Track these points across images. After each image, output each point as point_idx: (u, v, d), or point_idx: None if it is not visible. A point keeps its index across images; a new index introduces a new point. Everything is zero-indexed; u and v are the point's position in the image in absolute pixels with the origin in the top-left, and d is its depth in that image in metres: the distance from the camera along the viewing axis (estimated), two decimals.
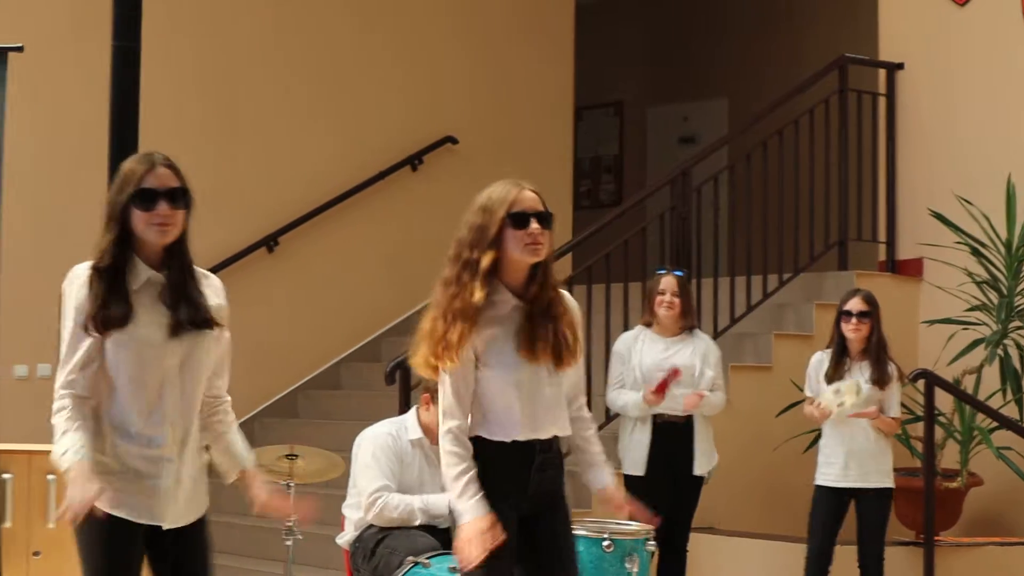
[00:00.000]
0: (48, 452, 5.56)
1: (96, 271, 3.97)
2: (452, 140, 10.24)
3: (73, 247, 7.75)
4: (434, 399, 6.05)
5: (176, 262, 4.03)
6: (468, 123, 10.33)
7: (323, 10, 9.81)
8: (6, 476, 5.43)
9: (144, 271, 4.00)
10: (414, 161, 10.10)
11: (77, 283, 3.99)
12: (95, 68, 7.08)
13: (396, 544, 5.66)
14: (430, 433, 5.91)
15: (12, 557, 5.03)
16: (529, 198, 4.31)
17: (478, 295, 4.19)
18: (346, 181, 9.71)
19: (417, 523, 5.77)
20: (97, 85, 6.77)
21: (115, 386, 3.99)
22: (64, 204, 8.38)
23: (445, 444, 4.23)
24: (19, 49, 5.51)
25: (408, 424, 5.99)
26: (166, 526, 3.99)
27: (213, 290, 4.12)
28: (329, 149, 9.71)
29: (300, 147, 9.59)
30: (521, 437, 4.24)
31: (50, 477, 5.59)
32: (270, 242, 9.41)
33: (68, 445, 3.91)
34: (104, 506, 3.89)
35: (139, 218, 3.96)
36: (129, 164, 4.04)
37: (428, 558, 5.45)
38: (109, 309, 3.94)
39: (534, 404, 4.25)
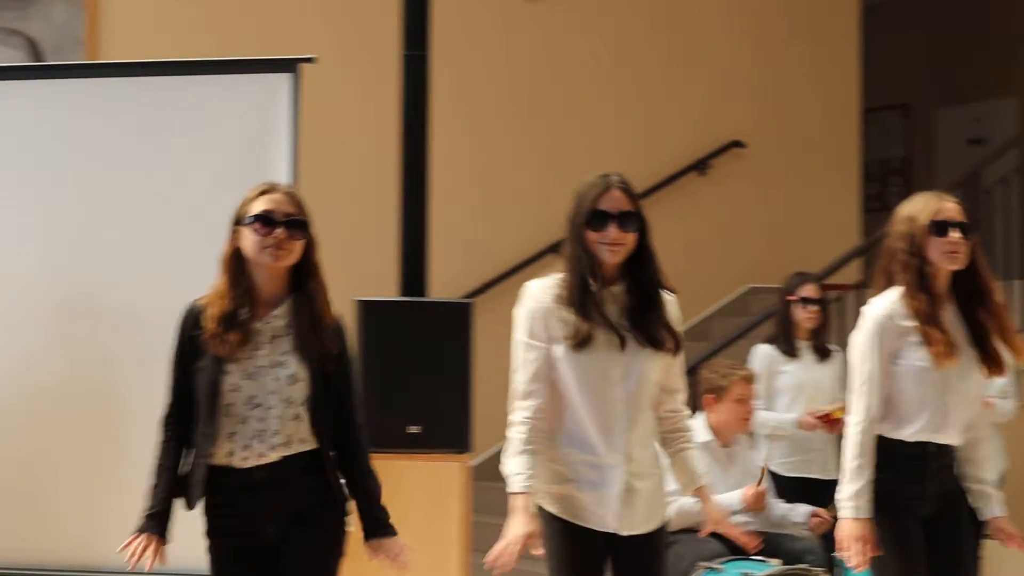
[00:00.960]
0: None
1: (559, 288, 4.15)
2: (739, 144, 10.15)
3: (364, 256, 8.03)
4: (718, 400, 6.02)
5: (640, 277, 4.17)
6: (754, 127, 10.24)
7: (615, 16, 9.84)
8: None
9: (600, 287, 4.14)
10: (701, 165, 10.05)
11: (534, 299, 4.17)
12: (384, 78, 7.24)
13: (683, 550, 5.61)
14: (720, 435, 5.96)
15: None
16: (951, 209, 4.52)
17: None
18: (639, 185, 9.68)
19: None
20: (386, 95, 6.92)
21: (568, 398, 4.15)
22: (355, 213, 8.56)
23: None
24: (311, 60, 5.64)
25: (697, 427, 5.95)
26: (623, 533, 4.15)
27: (669, 306, 4.24)
28: (626, 153, 9.71)
29: (599, 152, 9.60)
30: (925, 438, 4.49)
31: None
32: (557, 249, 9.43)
33: (517, 468, 4.11)
34: (564, 514, 4.14)
35: (590, 238, 4.14)
36: (584, 184, 4.22)
37: (721, 563, 5.41)
38: (570, 325, 4.10)
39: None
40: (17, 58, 8.03)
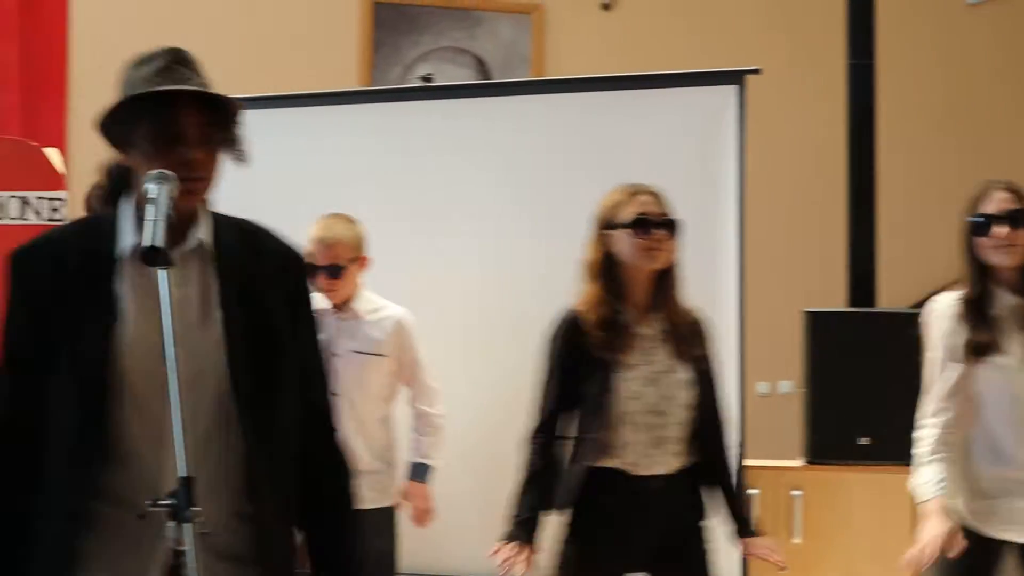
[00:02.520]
0: (790, 468, 5.71)
1: (963, 301, 4.07)
2: None
3: (810, 266, 7.95)
4: None
5: None
6: None
7: None
8: (752, 492, 5.56)
9: (1005, 297, 4.06)
10: None
11: (941, 313, 4.10)
12: (830, 88, 7.15)
13: None
14: None
15: (756, 571, 5.15)
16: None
17: None
18: None
19: None
20: (833, 105, 6.83)
21: (981, 412, 4.05)
22: (801, 223, 8.48)
23: None
24: (757, 72, 5.61)
25: None
26: None
27: None
28: None
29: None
30: None
31: (794, 493, 5.67)
32: None
33: (927, 477, 4.03)
34: (975, 524, 4.02)
35: (980, 244, 4.07)
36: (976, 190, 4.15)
37: None
38: (977, 337, 4.02)
39: None
40: (466, 76, 8.29)
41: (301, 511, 2.96)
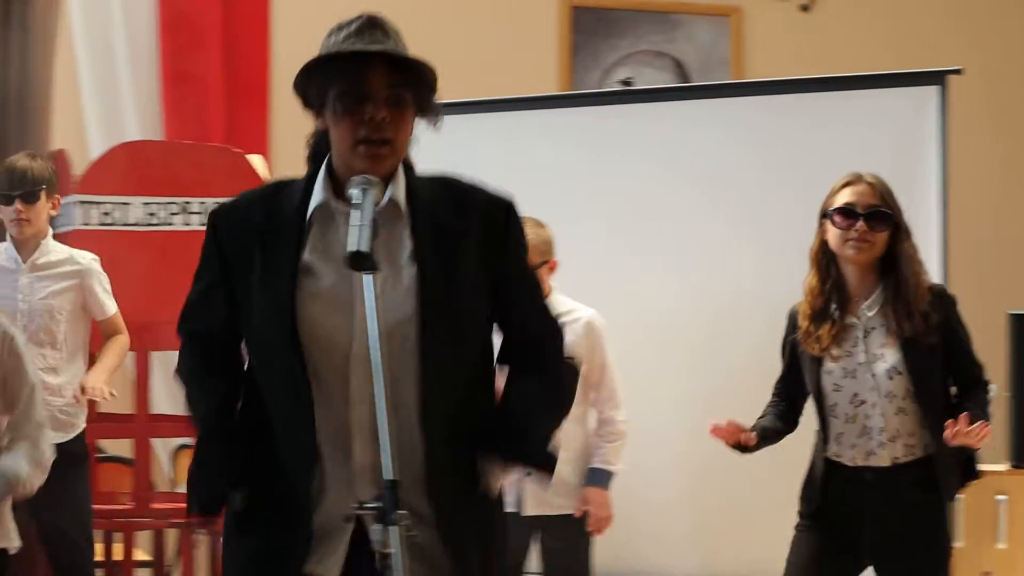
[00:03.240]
0: (995, 472, 5.62)
1: None
2: None
3: (1018, 266, 7.80)
4: None
5: None
6: None
7: None
8: (1001, 498, 5.53)
9: None
10: None
11: None
12: None
13: None
14: None
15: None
16: None
17: None
18: None
19: None
20: None
21: None
22: (1006, 225, 8.33)
23: None
24: (958, 72, 5.55)
25: None
26: None
27: None
28: None
29: None
30: None
31: (999, 497, 5.60)
32: None
33: None
34: None
35: None
36: None
37: None
38: None
39: None
40: (665, 79, 8.30)
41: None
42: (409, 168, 2.96)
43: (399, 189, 2.92)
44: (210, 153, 6.34)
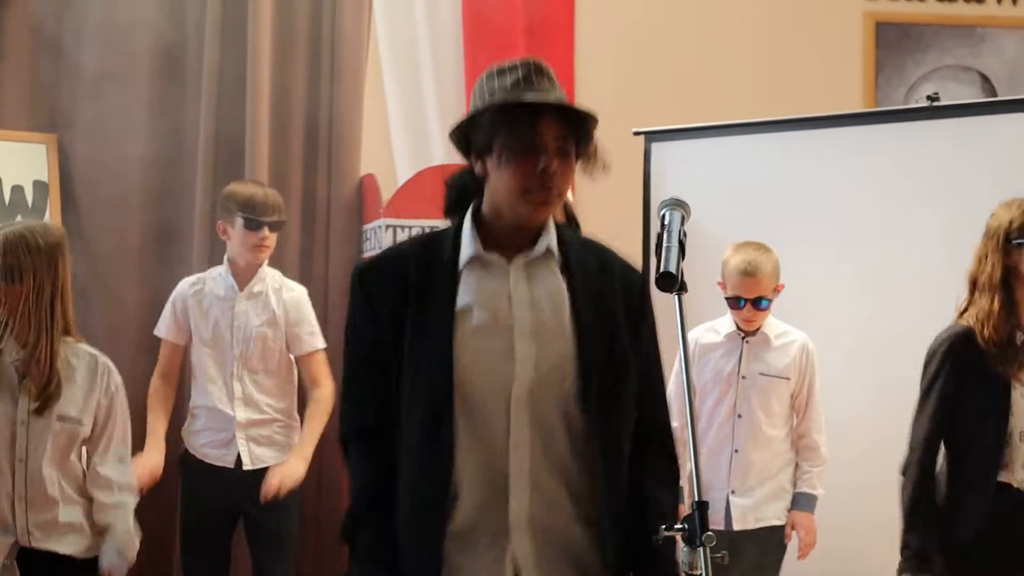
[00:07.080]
0: None
1: None
2: None
3: None
4: None
5: None
6: None
7: None
8: None
9: None
10: None
11: None
12: None
13: None
14: None
15: None
16: None
17: None
18: None
19: None
20: None
21: None
22: None
23: None
24: None
25: None
26: None
27: None
28: None
29: None
30: None
31: None
32: None
33: None
34: None
35: None
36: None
37: None
38: None
39: None
40: (970, 95, 8.14)
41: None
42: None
43: (551, 237, 2.96)
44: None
